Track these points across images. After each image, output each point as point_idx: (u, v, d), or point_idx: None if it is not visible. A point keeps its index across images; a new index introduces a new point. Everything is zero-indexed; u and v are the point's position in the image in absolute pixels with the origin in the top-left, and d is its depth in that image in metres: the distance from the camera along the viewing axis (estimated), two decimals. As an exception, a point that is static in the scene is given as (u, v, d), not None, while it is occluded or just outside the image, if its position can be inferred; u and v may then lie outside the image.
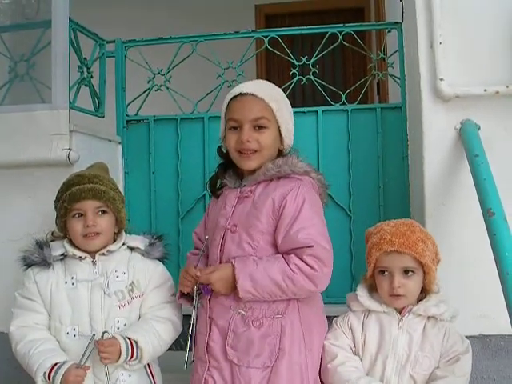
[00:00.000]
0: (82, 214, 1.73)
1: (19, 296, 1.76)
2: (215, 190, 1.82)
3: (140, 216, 2.67)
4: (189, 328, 1.68)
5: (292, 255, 1.58)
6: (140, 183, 2.72)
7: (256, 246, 1.63)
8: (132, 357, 1.64)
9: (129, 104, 2.76)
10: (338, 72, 5.11)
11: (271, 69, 5.07)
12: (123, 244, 1.81)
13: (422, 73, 2.11)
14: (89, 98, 2.66)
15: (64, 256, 1.76)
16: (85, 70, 2.59)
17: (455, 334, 1.66)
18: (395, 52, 2.55)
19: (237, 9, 4.83)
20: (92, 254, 1.75)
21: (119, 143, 2.70)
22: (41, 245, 1.76)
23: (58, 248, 1.77)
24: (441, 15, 2.07)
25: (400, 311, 1.67)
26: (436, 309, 1.64)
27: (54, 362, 1.61)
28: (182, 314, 1.82)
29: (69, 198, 1.72)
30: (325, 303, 1.80)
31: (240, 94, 1.70)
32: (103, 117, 2.73)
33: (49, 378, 1.60)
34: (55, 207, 1.78)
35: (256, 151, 1.67)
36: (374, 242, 1.67)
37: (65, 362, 1.62)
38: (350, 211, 2.52)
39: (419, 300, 1.67)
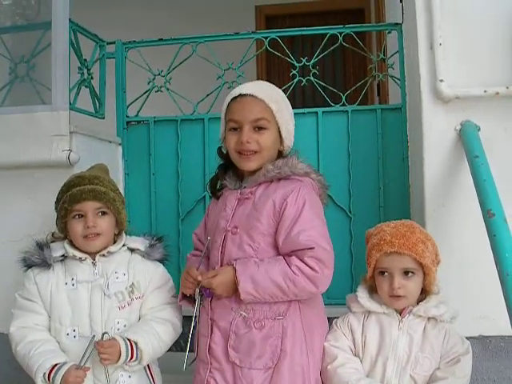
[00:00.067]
0: (82, 215, 1.73)
1: (19, 297, 1.77)
2: (215, 191, 1.82)
3: (140, 217, 2.66)
4: (189, 330, 1.68)
5: (293, 257, 1.58)
6: (140, 184, 2.71)
7: (257, 248, 1.63)
8: (132, 358, 1.64)
9: (129, 105, 2.76)
10: (338, 73, 5.12)
11: (271, 70, 5.08)
12: (123, 245, 1.81)
13: (422, 74, 2.11)
14: (89, 99, 2.66)
15: (64, 257, 1.77)
16: (85, 71, 2.59)
17: (455, 335, 1.66)
18: (395, 53, 2.55)
19: (237, 10, 4.84)
20: (92, 255, 1.75)
21: (119, 144, 2.70)
22: (41, 246, 1.77)
23: (58, 249, 1.77)
24: (441, 16, 2.07)
25: (400, 312, 1.67)
26: (436, 310, 1.64)
27: (54, 363, 1.61)
28: (181, 315, 1.82)
29: (69, 199, 1.72)
30: (325, 304, 1.79)
31: (240, 94, 1.70)
32: (103, 118, 2.73)
33: (49, 379, 1.59)
34: (55, 208, 1.79)
35: (256, 152, 1.67)
36: (373, 243, 1.67)
37: (65, 363, 1.62)
38: (350, 212, 2.52)
39: (419, 301, 1.67)
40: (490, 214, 1.63)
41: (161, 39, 2.72)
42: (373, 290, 1.72)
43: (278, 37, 2.63)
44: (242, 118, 1.68)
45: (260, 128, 1.68)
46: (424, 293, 1.68)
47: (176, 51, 2.66)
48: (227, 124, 1.72)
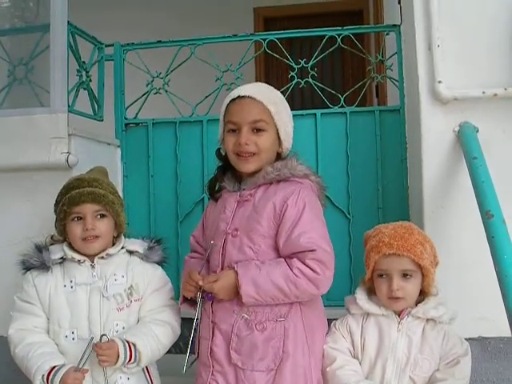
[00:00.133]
0: (81, 218, 1.73)
1: (18, 299, 1.77)
2: (214, 192, 1.82)
3: (139, 219, 2.66)
4: (190, 332, 1.68)
5: (294, 259, 1.58)
6: (139, 186, 2.71)
7: (257, 250, 1.63)
8: (130, 360, 1.64)
9: (128, 107, 2.76)
10: (337, 75, 5.12)
11: (270, 72, 5.08)
12: (122, 248, 1.81)
13: (421, 75, 2.11)
14: (87, 101, 2.66)
15: (63, 259, 1.77)
16: (83, 73, 2.59)
17: (454, 337, 1.66)
18: (394, 54, 2.55)
19: (235, 12, 4.85)
20: (91, 257, 1.75)
21: (118, 146, 2.70)
22: (40, 248, 1.77)
23: (57, 251, 1.77)
24: (439, 18, 2.07)
25: (399, 314, 1.67)
26: (435, 311, 1.64)
27: (53, 365, 1.61)
28: (180, 317, 1.82)
29: (68, 202, 1.72)
30: (324, 306, 1.79)
31: (239, 96, 1.70)
32: (102, 120, 2.73)
33: (47, 381, 1.59)
34: (55, 210, 1.79)
35: (254, 154, 1.67)
36: (372, 245, 1.67)
37: (63, 365, 1.62)
38: (348, 214, 2.52)
39: (418, 303, 1.67)
40: (488, 216, 1.63)
41: (159, 41, 2.72)
42: (371, 292, 1.72)
43: (277, 39, 2.63)
44: (241, 119, 1.68)
45: (258, 130, 1.68)
46: (422, 294, 1.68)
47: (174, 53, 2.66)
48: (226, 126, 1.72)
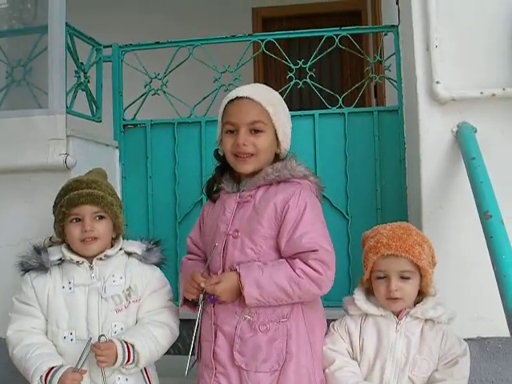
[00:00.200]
0: (79, 219, 1.73)
1: (16, 301, 1.76)
2: (212, 193, 1.81)
3: (137, 220, 2.66)
4: (193, 334, 1.68)
5: (297, 260, 1.58)
6: (137, 187, 2.71)
7: (259, 251, 1.63)
8: (129, 360, 1.64)
9: (126, 108, 2.76)
10: (335, 75, 5.12)
11: (268, 72, 5.08)
12: (120, 249, 1.81)
13: (419, 76, 2.12)
14: (86, 102, 2.66)
15: (61, 261, 1.76)
16: (82, 74, 2.59)
17: (453, 337, 1.66)
18: (392, 55, 2.55)
19: (234, 12, 4.85)
20: (89, 258, 1.75)
21: (116, 148, 2.70)
22: (38, 250, 1.77)
23: (55, 253, 1.77)
24: (437, 18, 2.07)
25: (397, 314, 1.66)
26: (433, 311, 1.64)
27: (51, 366, 1.61)
28: (179, 318, 1.82)
29: (67, 203, 1.72)
30: (323, 306, 1.79)
31: (237, 97, 1.70)
32: (100, 121, 2.73)
33: (45, 382, 1.59)
34: (53, 212, 1.79)
35: (252, 155, 1.67)
36: (370, 246, 1.67)
37: (61, 366, 1.62)
38: (347, 214, 2.52)
39: (416, 303, 1.67)
40: (486, 216, 1.63)
41: (157, 42, 2.72)
42: (370, 293, 1.71)
43: (275, 39, 2.63)
44: (239, 120, 1.67)
45: (256, 131, 1.67)
46: (421, 295, 1.68)
47: (173, 54, 2.67)
48: (224, 126, 1.72)
